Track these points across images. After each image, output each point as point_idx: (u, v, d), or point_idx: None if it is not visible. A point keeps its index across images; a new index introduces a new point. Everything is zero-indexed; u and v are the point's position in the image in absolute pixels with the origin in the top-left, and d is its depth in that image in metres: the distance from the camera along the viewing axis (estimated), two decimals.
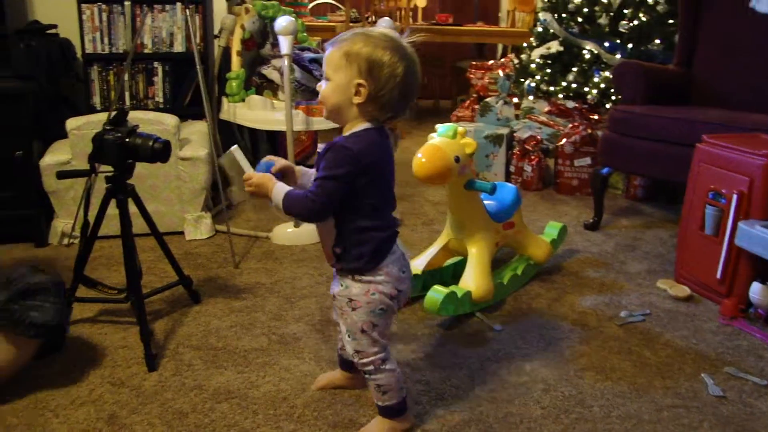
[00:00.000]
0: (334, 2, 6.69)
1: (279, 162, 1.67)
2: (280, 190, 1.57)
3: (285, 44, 2.87)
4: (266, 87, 3.40)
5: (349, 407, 1.85)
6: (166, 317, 2.36)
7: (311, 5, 6.46)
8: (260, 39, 3.60)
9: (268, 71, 3.34)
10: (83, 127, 2.98)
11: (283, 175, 1.67)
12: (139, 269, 2.17)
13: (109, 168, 2.11)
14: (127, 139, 2.04)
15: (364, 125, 1.57)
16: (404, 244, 2.92)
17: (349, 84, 1.52)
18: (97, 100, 3.52)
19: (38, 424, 1.79)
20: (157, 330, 2.28)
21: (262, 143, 4.02)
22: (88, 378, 2.00)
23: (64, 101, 3.45)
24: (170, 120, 3.03)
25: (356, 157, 1.51)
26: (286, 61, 2.93)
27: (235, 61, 3.33)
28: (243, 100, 3.29)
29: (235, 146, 1.96)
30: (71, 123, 3.00)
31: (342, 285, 1.65)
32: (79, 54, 3.57)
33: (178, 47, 3.53)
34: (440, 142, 2.22)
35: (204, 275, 2.69)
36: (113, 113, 2.10)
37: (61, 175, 2.17)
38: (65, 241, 3.06)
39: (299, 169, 1.72)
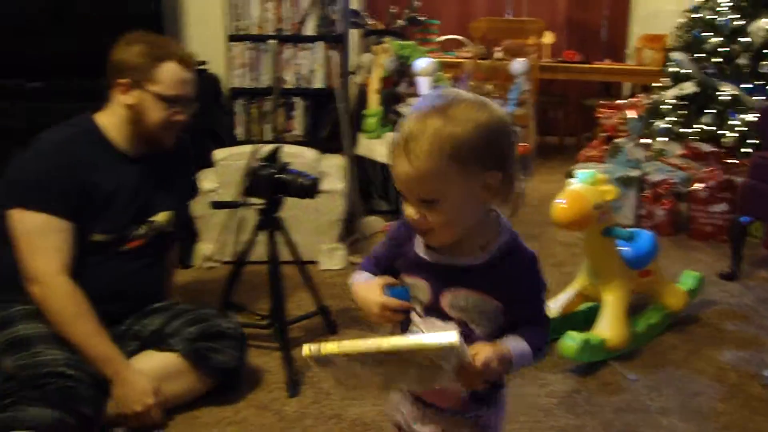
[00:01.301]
0: (462, 38, 6.78)
1: (389, 279, 1.22)
2: (517, 348, 1.15)
3: (424, 84, 2.96)
4: None
5: None
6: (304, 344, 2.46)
7: (438, 39, 6.57)
8: (397, 77, 3.72)
9: (405, 109, 3.44)
10: (229, 158, 3.16)
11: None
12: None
13: (261, 201, 2.25)
14: (279, 175, 2.16)
15: (504, 224, 1.19)
16: None
17: (474, 189, 1.10)
18: (240, 131, 3.73)
19: None
20: (295, 357, 2.37)
21: (391, 178, 4.11)
22: (233, 399, 2.11)
23: (212, 133, 3.67)
24: (310, 153, 3.17)
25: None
26: None
27: (374, 99, 3.46)
28: (380, 137, 3.40)
29: (454, 332, 1.02)
30: (218, 154, 3.19)
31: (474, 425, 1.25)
32: (225, 88, 3.79)
33: (318, 83, 3.69)
34: (581, 189, 2.23)
35: (338, 305, 2.78)
36: (264, 148, 2.23)
37: (217, 205, 2.33)
38: (207, 264, 3.24)
39: None
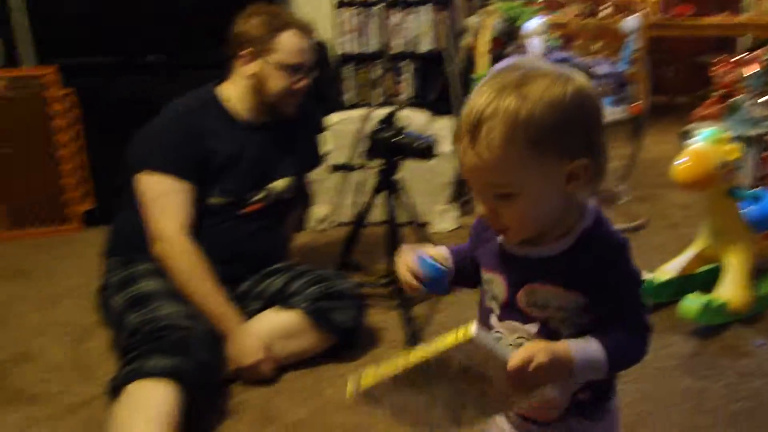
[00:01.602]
0: None
1: (438, 254, 1.09)
2: (583, 349, 0.95)
3: (536, 45, 2.93)
4: None
5: None
6: (421, 303, 2.52)
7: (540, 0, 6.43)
8: (505, 39, 3.68)
9: None
10: (341, 122, 3.24)
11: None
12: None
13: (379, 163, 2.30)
14: (397, 138, 2.21)
15: (588, 205, 1.02)
16: (648, 247, 2.89)
17: (557, 180, 0.95)
18: (348, 97, 3.79)
19: (316, 391, 2.02)
20: (413, 315, 2.43)
21: None
22: (353, 355, 2.20)
23: (321, 98, 3.75)
24: (421, 116, 3.20)
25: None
26: None
27: (481, 61, 3.44)
28: None
29: (474, 324, 0.89)
30: (331, 118, 3.26)
31: None
32: (333, 54, 3.86)
33: (425, 47, 3.70)
34: (704, 147, 2.18)
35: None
36: (378, 112, 2.28)
37: (335, 168, 2.40)
38: (321, 226, 3.34)
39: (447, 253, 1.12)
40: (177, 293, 2.00)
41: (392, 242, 2.28)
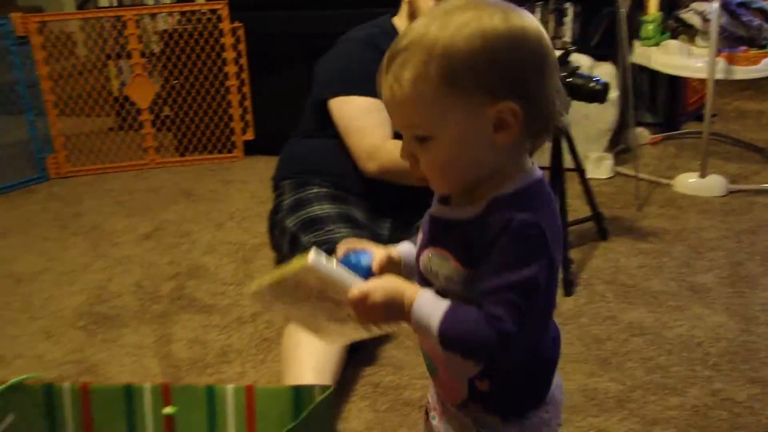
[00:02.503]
0: None
1: (376, 253, 0.98)
2: (427, 305, 0.86)
3: None
4: (682, 32, 3.31)
5: None
6: (575, 248, 2.50)
7: None
8: None
9: (688, 15, 3.24)
10: None
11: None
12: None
13: None
14: (570, 79, 2.16)
15: (525, 172, 0.88)
16: None
17: (479, 124, 0.83)
18: None
19: None
20: (571, 258, 2.41)
21: (660, 89, 3.94)
22: None
23: None
24: (584, 60, 3.12)
25: (545, 236, 0.84)
26: (715, 5, 2.83)
27: (653, 2, 3.30)
28: (657, 44, 3.25)
29: (313, 249, 0.93)
30: None
31: None
32: None
33: None
34: None
35: (607, 214, 2.78)
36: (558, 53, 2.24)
37: None
38: None
39: (401, 254, 1.01)
40: (351, 218, 2.07)
41: (558, 185, 2.26)
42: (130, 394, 0.88)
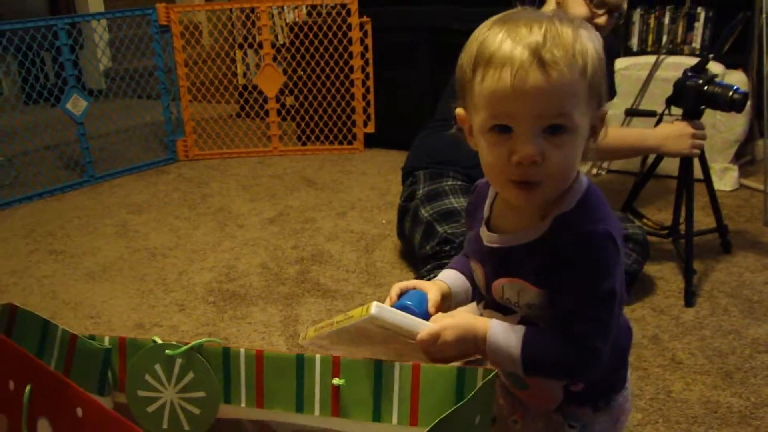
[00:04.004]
0: None
1: (430, 292, 1.02)
2: (502, 335, 0.90)
3: None
4: None
5: None
6: (698, 260, 2.46)
7: None
8: None
9: None
10: (630, 67, 3.18)
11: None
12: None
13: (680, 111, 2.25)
14: (707, 87, 2.14)
15: (578, 182, 0.92)
16: None
17: (587, 127, 0.89)
18: (634, 41, 3.68)
19: None
20: (695, 269, 2.38)
21: None
22: (630, 299, 2.21)
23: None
24: (714, 67, 3.05)
25: (617, 244, 0.88)
26: None
27: None
28: None
29: (375, 304, 0.92)
30: (619, 63, 3.21)
31: (571, 427, 1.03)
32: None
33: None
34: None
35: (731, 227, 2.72)
36: (666, 60, 2.22)
37: (630, 113, 2.38)
38: (594, 171, 3.34)
39: (451, 286, 1.06)
40: None
41: (688, 192, 2.23)
42: (301, 363, 0.96)
